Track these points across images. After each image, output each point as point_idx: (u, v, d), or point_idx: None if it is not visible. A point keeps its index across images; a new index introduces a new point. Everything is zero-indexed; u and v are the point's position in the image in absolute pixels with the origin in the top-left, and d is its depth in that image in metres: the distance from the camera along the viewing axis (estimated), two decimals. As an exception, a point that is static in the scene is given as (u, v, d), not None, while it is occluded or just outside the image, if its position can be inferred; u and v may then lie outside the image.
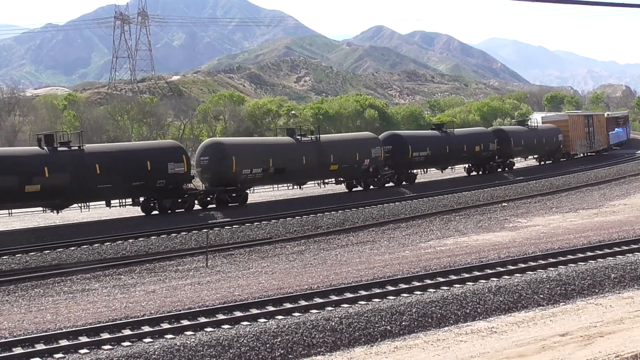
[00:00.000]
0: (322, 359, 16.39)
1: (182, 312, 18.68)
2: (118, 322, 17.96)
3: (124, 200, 40.75)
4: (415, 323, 18.16)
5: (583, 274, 21.79)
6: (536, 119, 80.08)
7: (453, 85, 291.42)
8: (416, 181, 55.36)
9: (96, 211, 43.82)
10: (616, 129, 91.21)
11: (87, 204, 39.80)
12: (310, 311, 18.75)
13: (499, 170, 62.79)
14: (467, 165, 62.45)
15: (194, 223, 37.19)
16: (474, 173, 62.30)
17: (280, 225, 36.15)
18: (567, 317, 18.39)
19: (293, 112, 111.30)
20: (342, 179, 50.79)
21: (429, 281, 21.43)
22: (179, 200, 40.98)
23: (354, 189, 51.32)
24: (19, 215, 42.24)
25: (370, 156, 50.21)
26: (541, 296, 20.22)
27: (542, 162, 71.45)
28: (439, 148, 56.04)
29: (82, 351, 16.21)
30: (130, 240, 32.59)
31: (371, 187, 51.13)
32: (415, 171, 56.01)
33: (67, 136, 41.37)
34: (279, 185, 52.91)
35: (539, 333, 16.94)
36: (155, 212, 40.86)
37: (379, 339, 17.37)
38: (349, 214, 39.45)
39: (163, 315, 18.44)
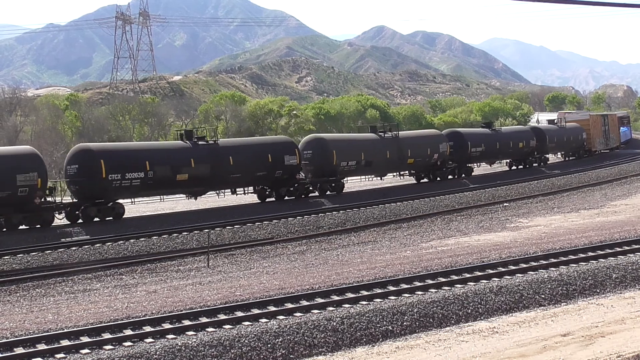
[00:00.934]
0: (323, 359, 16.38)
1: (183, 312, 18.68)
2: (119, 322, 17.96)
3: (247, 189, 45.88)
4: (417, 323, 18.16)
5: (584, 274, 21.79)
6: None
7: (454, 86, 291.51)
8: (473, 174, 59.88)
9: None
10: (621, 128, 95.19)
11: (221, 191, 44.49)
12: (312, 311, 18.75)
13: (535, 165, 67.52)
14: (508, 160, 67.46)
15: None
16: (514, 167, 67.01)
17: (281, 225, 36.15)
18: (569, 317, 18.38)
19: (294, 112, 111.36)
20: (414, 171, 56.17)
21: (430, 281, 21.43)
22: (291, 189, 45.95)
23: (421, 181, 56.59)
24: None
25: (438, 151, 55.23)
26: (542, 296, 20.22)
27: (567, 158, 76.66)
28: (491, 144, 60.96)
29: (84, 351, 16.21)
30: (132, 241, 32.60)
31: (438, 178, 56.13)
32: (471, 165, 60.17)
33: (203, 131, 47.14)
34: (363, 177, 56.96)
35: (540, 333, 16.93)
36: (270, 199, 45.86)
37: (381, 339, 17.37)
38: (350, 214, 39.44)
39: (164, 315, 18.44)
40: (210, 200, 47.32)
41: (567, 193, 48.08)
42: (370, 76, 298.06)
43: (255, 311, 18.75)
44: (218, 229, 35.03)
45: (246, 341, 16.53)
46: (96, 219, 37.78)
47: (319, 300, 19.68)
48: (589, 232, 30.00)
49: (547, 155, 70.38)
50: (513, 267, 23.01)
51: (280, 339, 16.76)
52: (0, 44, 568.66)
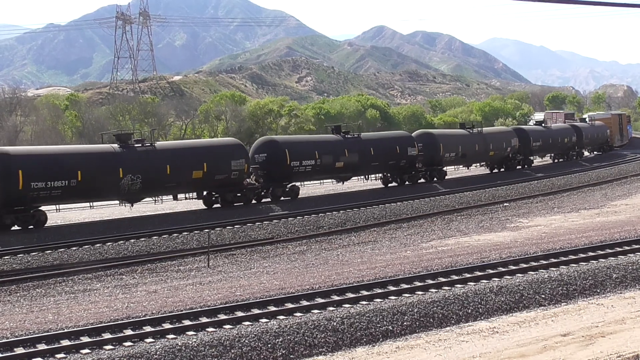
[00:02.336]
0: (323, 359, 16.39)
1: (183, 312, 18.68)
2: (119, 322, 17.96)
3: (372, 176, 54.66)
4: (417, 323, 18.16)
5: (585, 274, 21.79)
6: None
7: (455, 86, 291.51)
8: (532, 165, 69.53)
9: (97, 211, 43.88)
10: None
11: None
12: (312, 311, 18.76)
13: (574, 158, 76.33)
14: (551, 155, 76.64)
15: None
16: (556, 161, 76.25)
17: (281, 225, 36.15)
18: (569, 317, 18.39)
19: (294, 112, 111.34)
20: (490, 162, 64.64)
21: (430, 281, 21.43)
22: (410, 175, 54.09)
23: (494, 171, 64.92)
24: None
25: (511, 145, 63.86)
26: (543, 296, 20.22)
27: (593, 153, 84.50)
28: (544, 140, 69.37)
29: (84, 351, 16.22)
30: (132, 240, 32.60)
31: (509, 169, 64.79)
32: (532, 157, 69.99)
33: (347, 127, 54.38)
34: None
35: (540, 333, 16.93)
36: (393, 184, 53.93)
37: (381, 339, 17.37)
38: (350, 214, 39.44)
39: (164, 315, 18.44)
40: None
41: (567, 193, 48.09)
42: (370, 76, 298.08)
43: (256, 311, 18.76)
44: (218, 229, 35.03)
45: (246, 341, 16.54)
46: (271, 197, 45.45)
47: (319, 300, 19.69)
48: (589, 232, 30.01)
49: (582, 150, 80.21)
50: (513, 267, 23.02)
51: (280, 339, 16.76)
52: (0, 44, 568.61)
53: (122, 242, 32.36)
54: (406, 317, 18.31)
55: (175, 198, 43.83)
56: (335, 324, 17.63)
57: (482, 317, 18.81)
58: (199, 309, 18.87)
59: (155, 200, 43.60)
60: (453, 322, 18.48)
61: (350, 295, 20.10)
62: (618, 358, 14.56)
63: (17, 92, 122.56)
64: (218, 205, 43.40)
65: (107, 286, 24.90)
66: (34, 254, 29.97)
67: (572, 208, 40.47)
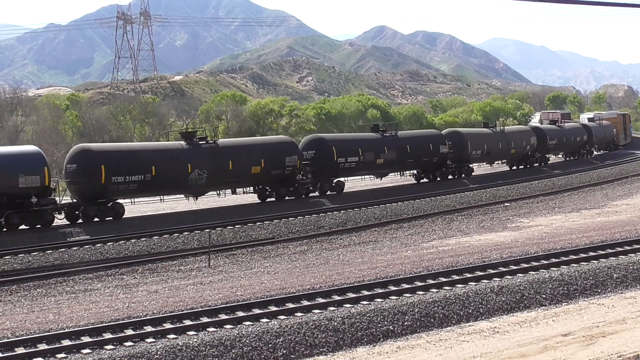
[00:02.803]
0: (324, 359, 16.39)
1: (184, 312, 18.69)
2: (120, 322, 17.97)
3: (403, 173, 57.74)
4: (418, 323, 18.16)
5: (585, 274, 21.79)
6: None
7: (455, 85, 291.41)
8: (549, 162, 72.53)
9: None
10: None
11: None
12: (313, 311, 18.76)
13: (586, 156, 79.40)
14: (562, 153, 79.09)
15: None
16: (568, 158, 78.78)
17: (282, 225, 36.15)
18: (570, 317, 18.38)
19: (295, 112, 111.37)
20: (510, 160, 67.63)
21: (431, 281, 21.43)
22: (440, 172, 57.09)
23: (513, 168, 68.06)
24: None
25: (530, 143, 67.48)
26: (543, 296, 20.22)
27: (600, 151, 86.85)
28: (559, 139, 73.08)
29: (85, 351, 16.22)
30: (133, 240, 32.61)
31: (527, 166, 67.99)
32: (548, 155, 72.63)
33: (385, 126, 58.62)
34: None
35: (541, 333, 16.93)
36: (424, 180, 56.70)
37: (382, 339, 17.37)
38: (351, 214, 39.45)
39: (165, 315, 18.44)
40: (210, 200, 47.35)
41: (568, 193, 48.08)
42: (371, 76, 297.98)
43: (256, 311, 18.76)
44: (219, 228, 35.03)
45: (247, 341, 16.54)
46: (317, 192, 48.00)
47: (320, 300, 19.69)
48: (590, 232, 30.01)
49: (592, 148, 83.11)
50: (514, 267, 23.02)
51: (281, 339, 16.77)
52: (1, 44, 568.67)
53: (122, 242, 32.37)
54: (407, 317, 18.30)
55: (234, 192, 46.66)
56: (336, 323, 17.63)
57: (483, 317, 18.81)
58: (200, 309, 18.87)
59: (218, 193, 46.19)
60: (454, 322, 18.48)
61: (351, 295, 20.10)
62: (619, 358, 14.56)
63: (18, 92, 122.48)
64: (272, 199, 46.04)
65: (108, 286, 24.91)
66: (34, 253, 29.98)
67: (573, 208, 40.47)
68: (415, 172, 57.21)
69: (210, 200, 47.22)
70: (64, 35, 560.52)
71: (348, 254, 28.96)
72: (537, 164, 69.26)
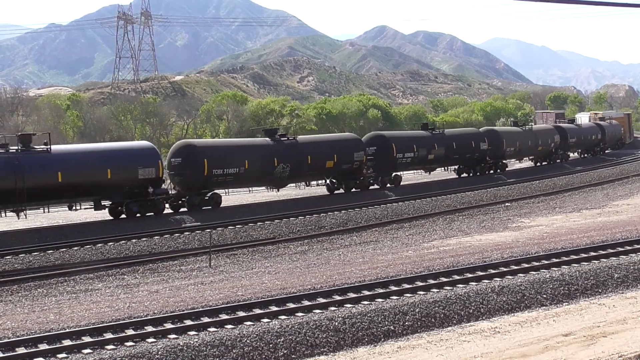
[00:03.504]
0: (325, 359, 16.39)
1: (185, 312, 18.69)
2: (121, 322, 17.97)
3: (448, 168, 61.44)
4: (419, 323, 18.16)
5: (586, 274, 21.79)
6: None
7: (456, 85, 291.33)
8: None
9: (99, 211, 43.94)
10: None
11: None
12: (314, 311, 18.76)
13: (599, 154, 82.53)
14: (579, 151, 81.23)
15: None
16: (584, 156, 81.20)
17: (283, 225, 36.15)
18: (570, 317, 18.38)
19: (296, 112, 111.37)
20: (536, 157, 70.82)
21: (432, 281, 21.43)
22: (481, 167, 60.43)
23: (537, 164, 71.10)
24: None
25: (554, 140, 70.71)
26: (544, 296, 20.22)
27: (609, 149, 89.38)
28: (577, 137, 76.18)
29: (85, 351, 16.22)
30: (134, 240, 32.60)
31: (550, 162, 70.96)
32: (568, 153, 76.19)
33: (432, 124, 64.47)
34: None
35: (542, 333, 16.93)
36: (464, 174, 60.18)
37: (382, 339, 17.38)
38: (352, 213, 39.44)
39: (166, 315, 18.45)
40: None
41: (568, 193, 48.07)
42: (372, 76, 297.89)
43: (257, 311, 18.77)
44: (220, 228, 35.03)
45: (248, 341, 16.54)
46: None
47: (321, 300, 19.69)
48: (591, 231, 30.00)
49: (605, 146, 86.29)
50: (515, 267, 23.02)
51: (282, 339, 16.77)
52: (2, 44, 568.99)
53: (123, 242, 32.37)
54: (408, 317, 18.31)
55: (307, 184, 51.20)
56: (336, 323, 17.63)
57: (483, 317, 18.81)
58: (201, 309, 18.87)
59: (296, 185, 51.60)
60: (455, 322, 18.48)
61: (352, 295, 20.10)
62: (620, 358, 14.55)
63: (19, 92, 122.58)
64: (340, 191, 49.40)
65: (108, 286, 24.91)
66: (35, 253, 29.99)
67: (574, 208, 40.46)
68: (457, 167, 60.92)
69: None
70: (65, 35, 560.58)
71: (349, 254, 28.96)
72: (558, 161, 72.60)
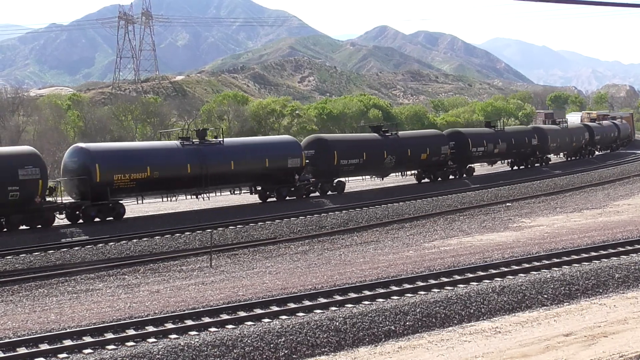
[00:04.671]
0: (326, 358, 16.39)
1: (186, 312, 18.70)
2: (122, 322, 17.98)
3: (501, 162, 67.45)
4: (419, 323, 18.17)
5: (587, 274, 21.79)
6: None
7: (457, 85, 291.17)
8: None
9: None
10: None
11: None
12: (314, 311, 18.77)
13: (616, 149, 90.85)
14: (599, 147, 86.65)
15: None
16: (603, 152, 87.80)
17: (284, 225, 36.16)
18: (571, 317, 18.38)
19: (297, 112, 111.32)
20: (569, 152, 77.95)
21: (432, 281, 21.44)
22: (530, 160, 67.54)
23: (569, 159, 77.96)
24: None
25: (585, 137, 78.57)
26: (545, 296, 20.22)
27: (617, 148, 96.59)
28: (601, 134, 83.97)
29: (86, 351, 16.23)
30: (134, 240, 32.61)
31: (580, 157, 78.13)
32: (594, 148, 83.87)
33: (496, 121, 68.71)
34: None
35: (542, 333, 16.93)
36: (517, 166, 67.14)
37: (383, 339, 17.38)
38: (352, 214, 39.45)
39: (167, 315, 18.45)
40: (212, 200, 47.37)
41: (569, 193, 48.08)
42: (373, 76, 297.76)
43: (258, 311, 18.77)
44: (221, 228, 35.04)
45: (249, 341, 16.54)
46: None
47: (322, 300, 19.70)
48: (592, 232, 30.01)
49: (618, 143, 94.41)
50: (516, 267, 23.03)
51: (282, 339, 16.77)
52: (2, 44, 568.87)
53: (124, 242, 32.38)
54: (408, 317, 18.31)
55: (402, 175, 56.99)
56: (337, 323, 17.64)
57: (484, 317, 18.82)
58: (202, 309, 18.88)
59: (402, 174, 56.74)
60: (455, 322, 18.49)
61: (352, 295, 20.11)
62: (620, 358, 14.55)
63: (20, 92, 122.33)
64: (425, 180, 56.57)
65: (109, 286, 24.92)
66: (36, 253, 30.00)
67: (575, 208, 40.46)
68: (509, 161, 67.61)
69: (212, 199, 47.22)
70: (66, 35, 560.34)
71: (350, 254, 28.97)
72: (586, 156, 79.62)
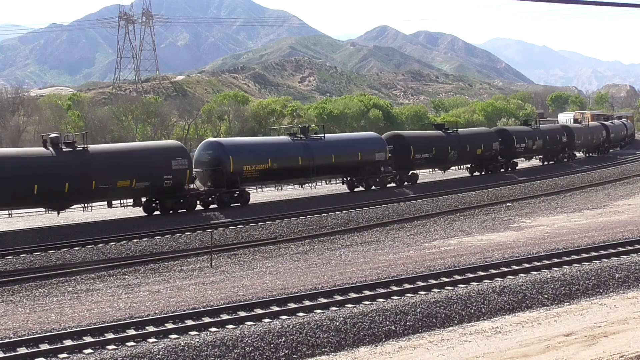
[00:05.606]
0: (326, 359, 16.39)
1: (186, 312, 18.70)
2: (122, 322, 17.98)
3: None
4: (420, 323, 18.16)
5: (587, 274, 21.79)
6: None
7: (457, 85, 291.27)
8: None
9: (100, 211, 43.90)
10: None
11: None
12: (315, 311, 18.76)
13: (625, 147, 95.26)
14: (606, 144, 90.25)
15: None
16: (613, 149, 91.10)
17: (284, 225, 36.15)
18: (572, 317, 18.38)
19: (297, 112, 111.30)
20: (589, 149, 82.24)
21: (433, 281, 21.43)
22: (561, 156, 72.64)
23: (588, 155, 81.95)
24: (23, 215, 42.31)
25: (602, 135, 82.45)
26: (545, 296, 20.22)
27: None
28: (614, 132, 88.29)
29: (87, 351, 16.23)
30: (135, 240, 32.61)
31: (598, 154, 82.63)
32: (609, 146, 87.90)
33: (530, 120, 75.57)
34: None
35: (543, 333, 16.93)
36: (548, 162, 71.85)
37: (383, 339, 17.38)
38: (353, 214, 39.45)
39: (167, 315, 18.45)
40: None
41: (570, 193, 48.06)
42: (373, 76, 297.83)
43: (258, 311, 18.77)
44: (221, 228, 35.04)
45: (249, 341, 16.54)
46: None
47: (322, 300, 19.69)
48: (592, 232, 30.00)
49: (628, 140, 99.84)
50: (516, 267, 23.02)
51: (283, 339, 16.77)
52: (3, 44, 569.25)
53: (124, 242, 32.38)
54: (409, 317, 18.31)
55: (459, 167, 62.45)
56: (338, 324, 17.64)
57: (484, 317, 18.82)
58: (202, 309, 18.88)
59: (459, 167, 62.39)
60: (456, 322, 18.49)
61: (353, 295, 20.10)
62: (621, 358, 14.55)
63: (20, 92, 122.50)
64: (477, 173, 61.81)
65: (110, 286, 24.92)
66: (36, 253, 30.01)
67: (575, 208, 40.45)
68: (541, 156, 71.61)
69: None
70: (66, 35, 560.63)
71: (350, 254, 28.96)
72: (604, 153, 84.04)
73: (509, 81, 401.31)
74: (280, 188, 48.87)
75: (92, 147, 39.42)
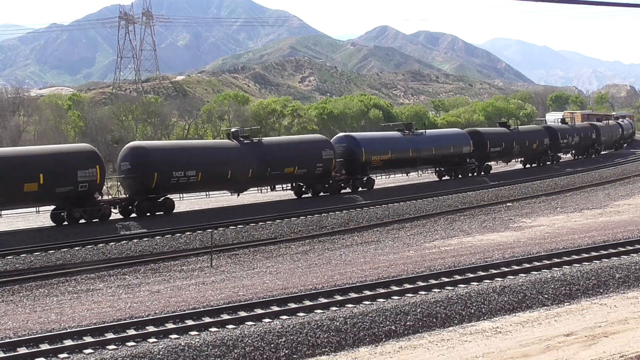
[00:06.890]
0: (326, 358, 16.39)
1: (186, 312, 18.69)
2: (122, 322, 17.98)
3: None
4: (420, 323, 18.16)
5: (587, 274, 21.78)
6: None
7: (457, 85, 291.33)
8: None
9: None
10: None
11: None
12: (315, 311, 18.76)
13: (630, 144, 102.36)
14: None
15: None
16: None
17: (284, 225, 36.15)
18: (572, 317, 18.38)
19: (298, 112, 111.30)
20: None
21: (433, 281, 21.43)
22: (589, 152, 79.57)
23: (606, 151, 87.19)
24: (23, 215, 42.29)
25: (620, 133, 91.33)
26: (545, 296, 20.21)
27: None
28: (626, 130, 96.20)
29: (87, 351, 16.23)
30: (135, 241, 32.61)
31: (617, 150, 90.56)
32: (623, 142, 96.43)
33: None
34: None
35: (543, 333, 16.93)
36: (580, 156, 78.23)
37: (384, 339, 17.38)
38: (353, 214, 39.45)
39: (167, 315, 18.45)
40: (214, 200, 47.47)
41: (570, 193, 48.06)
42: (373, 76, 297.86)
43: (259, 311, 18.77)
44: (221, 228, 35.03)
45: (249, 341, 16.54)
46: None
47: (322, 300, 19.69)
48: (592, 232, 29.99)
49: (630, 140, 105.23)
50: (516, 267, 23.01)
51: (283, 339, 16.77)
52: (3, 44, 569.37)
53: (125, 242, 32.38)
54: (409, 317, 18.31)
55: (506, 163, 71.58)
56: (338, 324, 17.64)
57: (485, 317, 18.81)
58: (202, 309, 18.87)
59: (499, 162, 70.24)
60: (456, 322, 18.48)
61: (353, 295, 20.10)
62: (621, 358, 14.55)
63: (20, 92, 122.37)
64: (526, 165, 68.30)
65: (110, 286, 24.92)
66: (37, 253, 30.01)
67: (575, 208, 40.45)
68: (573, 151, 78.00)
69: (213, 200, 47.22)
70: (66, 35, 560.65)
71: (350, 254, 28.96)
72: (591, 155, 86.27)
73: (509, 81, 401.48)
74: (280, 188, 49.23)
75: (265, 139, 47.90)
